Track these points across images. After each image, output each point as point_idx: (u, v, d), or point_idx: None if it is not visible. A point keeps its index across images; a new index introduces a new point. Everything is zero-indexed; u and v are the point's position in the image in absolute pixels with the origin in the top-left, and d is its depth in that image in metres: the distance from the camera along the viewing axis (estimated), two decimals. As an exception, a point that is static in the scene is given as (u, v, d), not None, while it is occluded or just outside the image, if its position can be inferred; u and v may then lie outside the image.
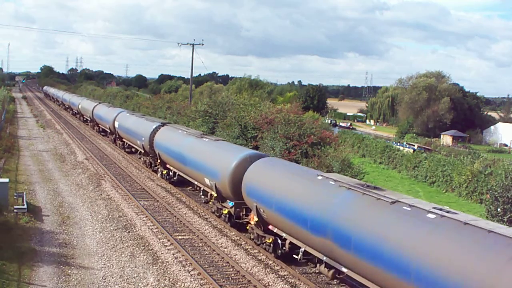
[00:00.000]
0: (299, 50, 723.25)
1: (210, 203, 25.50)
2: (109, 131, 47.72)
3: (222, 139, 29.38)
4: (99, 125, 54.12)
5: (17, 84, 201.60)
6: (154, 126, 34.32)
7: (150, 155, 34.85)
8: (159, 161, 32.86)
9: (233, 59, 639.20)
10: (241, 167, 21.62)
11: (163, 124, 34.69)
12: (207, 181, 24.55)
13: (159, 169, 33.24)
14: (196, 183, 27.24)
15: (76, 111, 72.67)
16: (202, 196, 26.55)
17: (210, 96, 77.16)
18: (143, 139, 35.25)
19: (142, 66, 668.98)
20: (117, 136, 45.11)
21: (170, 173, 31.31)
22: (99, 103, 59.30)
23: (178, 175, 30.24)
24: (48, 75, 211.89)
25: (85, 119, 65.25)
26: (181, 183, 30.89)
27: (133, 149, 41.68)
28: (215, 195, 23.59)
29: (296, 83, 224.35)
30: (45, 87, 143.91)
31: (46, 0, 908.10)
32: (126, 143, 43.13)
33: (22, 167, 35.58)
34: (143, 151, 36.17)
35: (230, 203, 22.88)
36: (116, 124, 44.09)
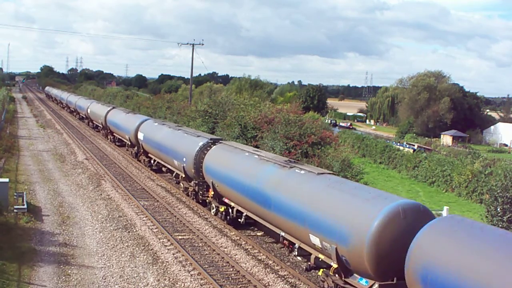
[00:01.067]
0: (299, 50, 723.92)
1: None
2: (128, 143, 41.02)
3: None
4: (114, 134, 47.63)
5: (17, 84, 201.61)
6: (201, 144, 26.43)
7: (196, 182, 26.55)
8: (212, 192, 24.77)
9: (233, 59, 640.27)
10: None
11: (214, 142, 26.40)
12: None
13: (212, 204, 25.14)
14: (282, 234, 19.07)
15: (84, 116, 65.66)
16: None
17: (210, 96, 77.16)
18: (184, 159, 27.35)
19: (142, 66, 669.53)
20: (141, 150, 37.29)
21: (230, 211, 23.31)
22: (114, 107, 51.96)
23: (246, 216, 22.11)
24: (48, 75, 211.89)
25: (95, 125, 58.95)
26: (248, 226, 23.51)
27: (163, 168, 34.44)
28: (183, 175, 27.69)
29: (296, 83, 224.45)
30: (46, 88, 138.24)
31: (46, 0, 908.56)
32: (155, 160, 34.95)
33: (22, 167, 35.59)
34: (183, 175, 28.11)
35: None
36: (140, 136, 36.65)
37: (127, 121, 41.65)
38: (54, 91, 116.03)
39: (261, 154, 21.65)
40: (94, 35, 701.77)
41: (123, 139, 43.24)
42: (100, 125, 54.37)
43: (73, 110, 77.93)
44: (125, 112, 46.21)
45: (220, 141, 26.30)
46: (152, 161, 35.61)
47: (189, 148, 26.90)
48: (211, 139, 26.80)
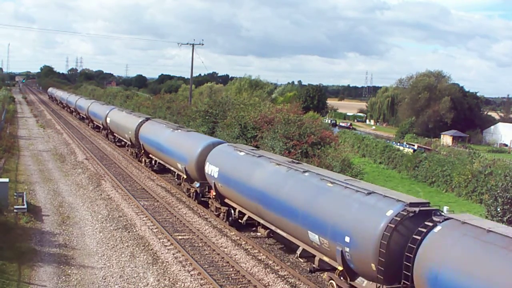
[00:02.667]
0: (299, 50, 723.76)
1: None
2: (183, 176, 28.26)
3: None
4: (151, 155, 35.58)
5: (17, 84, 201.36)
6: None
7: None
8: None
9: (233, 59, 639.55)
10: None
11: (214, 144, 26.01)
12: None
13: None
14: None
15: (102, 126, 52.61)
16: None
17: (210, 96, 77.17)
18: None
19: (142, 66, 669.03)
20: (218, 195, 24.29)
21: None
22: (147, 118, 39.17)
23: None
24: (48, 75, 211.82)
25: (117, 138, 47.07)
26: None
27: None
28: (185, 176, 27.85)
29: (296, 83, 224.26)
30: (50, 89, 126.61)
31: (45, 0, 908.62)
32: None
33: (22, 167, 35.59)
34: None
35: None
36: (213, 170, 24.19)
37: (176, 140, 30.61)
38: (59, 93, 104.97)
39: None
40: (94, 35, 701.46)
41: (174, 169, 30.74)
42: (127, 140, 41.52)
43: (84, 116, 66.18)
44: (166, 125, 34.79)
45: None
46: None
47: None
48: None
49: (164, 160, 32.40)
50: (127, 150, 42.34)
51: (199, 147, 26.42)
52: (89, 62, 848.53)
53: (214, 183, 23.67)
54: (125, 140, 42.51)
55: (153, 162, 35.37)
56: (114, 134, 47.46)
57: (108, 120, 48.69)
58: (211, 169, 24.08)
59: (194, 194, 27.27)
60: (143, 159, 37.25)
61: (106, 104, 62.02)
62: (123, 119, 43.47)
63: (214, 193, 24.13)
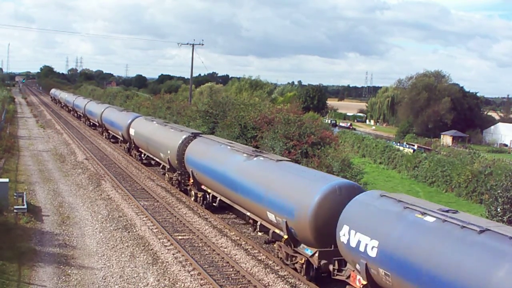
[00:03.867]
0: (299, 50, 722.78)
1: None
2: (285, 237, 18.84)
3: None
4: (205, 188, 26.03)
5: (17, 84, 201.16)
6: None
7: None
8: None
9: (233, 59, 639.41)
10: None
11: (195, 135, 28.60)
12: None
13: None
14: None
15: (122, 138, 42.75)
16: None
17: (210, 96, 77.16)
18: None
19: (142, 66, 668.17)
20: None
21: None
22: (195, 135, 28.95)
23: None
24: (48, 75, 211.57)
25: (145, 155, 37.05)
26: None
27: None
28: (168, 166, 30.34)
29: (296, 83, 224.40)
30: (53, 90, 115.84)
31: (45, 0, 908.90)
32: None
33: (22, 167, 35.59)
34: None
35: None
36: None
37: (258, 172, 24.72)
38: (64, 95, 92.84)
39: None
40: (94, 35, 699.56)
41: (267, 224, 21.57)
42: (165, 163, 31.42)
43: (96, 124, 55.71)
44: (230, 147, 25.04)
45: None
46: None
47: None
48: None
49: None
50: (165, 176, 32.42)
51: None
52: (89, 62, 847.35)
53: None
54: (161, 162, 32.67)
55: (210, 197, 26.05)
56: (142, 150, 37.54)
57: (131, 132, 39.11)
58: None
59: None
60: (193, 192, 27.61)
61: (126, 110, 50.09)
62: (157, 133, 33.21)
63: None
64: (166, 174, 31.82)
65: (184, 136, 28.67)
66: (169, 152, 29.51)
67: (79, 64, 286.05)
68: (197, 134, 28.94)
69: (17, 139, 48.79)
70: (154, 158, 34.53)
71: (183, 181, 29.01)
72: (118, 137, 44.78)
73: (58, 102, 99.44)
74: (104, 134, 46.30)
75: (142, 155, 38.01)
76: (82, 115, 67.16)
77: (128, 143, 41.79)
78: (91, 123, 61.98)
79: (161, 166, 33.03)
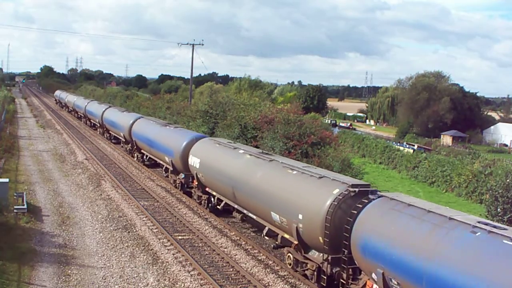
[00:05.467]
0: (299, 50, 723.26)
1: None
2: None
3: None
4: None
5: (17, 84, 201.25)
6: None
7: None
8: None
9: (233, 59, 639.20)
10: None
11: (198, 138, 28.43)
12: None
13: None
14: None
15: (171, 167, 29.80)
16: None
17: (210, 96, 77.16)
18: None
19: (142, 66, 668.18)
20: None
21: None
22: (200, 137, 28.73)
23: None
24: (48, 75, 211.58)
25: (196, 184, 26.94)
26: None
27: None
28: (171, 168, 30.22)
29: (296, 83, 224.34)
30: (57, 92, 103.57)
31: (45, 0, 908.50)
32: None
33: (22, 167, 35.59)
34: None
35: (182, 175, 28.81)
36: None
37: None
38: (71, 99, 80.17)
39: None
40: (94, 35, 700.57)
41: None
42: (238, 212, 23.80)
43: (122, 139, 42.66)
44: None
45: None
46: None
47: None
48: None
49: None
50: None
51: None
52: (89, 62, 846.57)
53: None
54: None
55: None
56: (209, 189, 25.60)
57: (195, 163, 26.04)
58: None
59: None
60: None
61: (174, 125, 35.28)
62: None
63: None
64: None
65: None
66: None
67: (79, 64, 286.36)
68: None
69: (17, 139, 48.80)
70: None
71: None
72: (164, 164, 32.42)
73: (65, 106, 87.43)
74: (135, 155, 39.07)
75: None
76: (98, 124, 54.23)
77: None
78: (117, 140, 46.94)
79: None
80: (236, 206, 22.37)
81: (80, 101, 71.99)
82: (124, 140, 42.67)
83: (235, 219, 24.06)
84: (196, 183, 26.38)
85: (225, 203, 23.70)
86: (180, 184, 29.45)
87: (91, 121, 61.49)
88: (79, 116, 72.66)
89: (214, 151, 24.99)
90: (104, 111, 51.69)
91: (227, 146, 24.60)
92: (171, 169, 30.08)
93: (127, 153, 42.14)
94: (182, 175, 28.79)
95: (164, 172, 32.82)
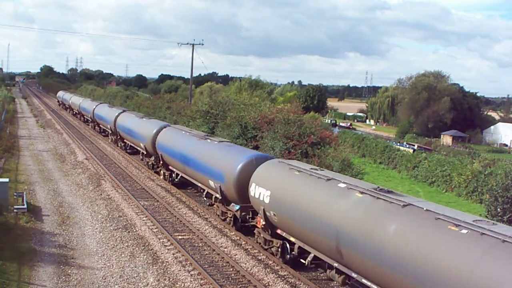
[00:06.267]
0: (299, 50, 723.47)
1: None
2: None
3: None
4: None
5: (17, 84, 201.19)
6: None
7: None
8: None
9: (233, 59, 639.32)
10: (246, 170, 21.04)
11: (165, 126, 34.07)
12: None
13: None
14: None
15: (221, 195, 23.01)
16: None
17: (210, 96, 77.14)
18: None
19: (142, 66, 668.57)
20: (267, 224, 20.20)
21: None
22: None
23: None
24: (48, 75, 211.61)
25: (174, 174, 30.46)
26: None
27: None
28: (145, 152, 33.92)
29: (296, 83, 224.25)
30: (60, 93, 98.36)
31: (45, 0, 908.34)
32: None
33: (22, 167, 35.59)
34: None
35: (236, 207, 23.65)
36: (261, 194, 19.65)
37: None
38: (76, 100, 73.87)
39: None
40: (94, 35, 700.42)
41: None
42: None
43: (145, 151, 35.24)
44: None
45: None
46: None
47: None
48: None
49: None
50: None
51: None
52: (89, 62, 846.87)
53: (264, 209, 19.27)
54: (212, 193, 24.76)
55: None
56: (283, 232, 20.38)
57: (260, 194, 19.65)
58: (258, 192, 19.56)
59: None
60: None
61: (218, 139, 27.28)
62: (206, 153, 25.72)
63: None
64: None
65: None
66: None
67: (79, 64, 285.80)
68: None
69: (17, 139, 48.80)
70: (197, 182, 26.76)
71: (243, 218, 22.34)
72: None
73: (69, 108, 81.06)
74: (161, 172, 32.52)
75: (174, 175, 30.49)
76: (110, 131, 47.25)
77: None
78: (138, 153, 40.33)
79: (204, 192, 25.90)
80: (337, 265, 15.70)
81: (87, 104, 63.99)
82: (145, 153, 35.08)
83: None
84: (263, 221, 19.60)
85: (315, 256, 17.06)
86: (232, 218, 22.76)
87: (101, 126, 54.18)
88: (86, 120, 65.05)
89: (292, 181, 18.08)
90: (117, 116, 44.53)
91: (313, 174, 17.50)
92: (219, 197, 23.01)
93: (148, 167, 35.51)
94: (236, 206, 22.13)
95: (204, 197, 26.10)
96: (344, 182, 16.20)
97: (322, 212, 15.82)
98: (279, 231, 19.00)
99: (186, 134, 29.46)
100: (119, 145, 45.22)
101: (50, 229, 22.23)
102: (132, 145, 40.53)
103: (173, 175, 30.63)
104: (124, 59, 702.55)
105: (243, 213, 21.76)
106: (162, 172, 32.50)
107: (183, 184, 30.20)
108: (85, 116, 64.90)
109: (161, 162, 32.14)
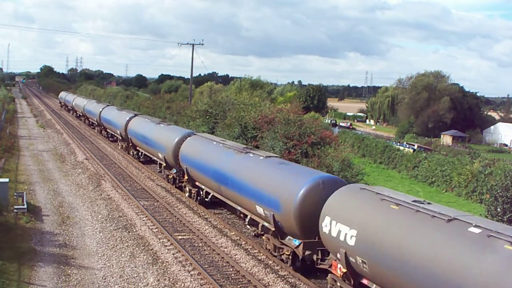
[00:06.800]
0: (299, 50, 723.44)
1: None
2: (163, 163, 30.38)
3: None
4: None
5: (17, 84, 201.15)
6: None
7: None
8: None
9: (233, 59, 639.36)
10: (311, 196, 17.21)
11: (189, 134, 29.74)
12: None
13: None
14: None
15: (275, 227, 18.71)
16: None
17: (210, 96, 77.14)
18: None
19: (142, 66, 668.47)
20: (189, 178, 26.84)
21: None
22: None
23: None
24: (48, 75, 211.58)
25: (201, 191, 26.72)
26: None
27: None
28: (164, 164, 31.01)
29: (296, 83, 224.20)
30: (62, 94, 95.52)
31: (45, 0, 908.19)
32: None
33: (22, 167, 35.59)
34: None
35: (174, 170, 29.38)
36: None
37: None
38: (80, 102, 70.35)
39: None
40: (94, 35, 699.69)
41: None
42: None
43: (164, 162, 31.07)
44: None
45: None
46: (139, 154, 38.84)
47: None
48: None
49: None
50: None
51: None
52: (89, 62, 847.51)
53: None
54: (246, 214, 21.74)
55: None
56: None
57: (341, 234, 15.31)
58: (335, 229, 16.02)
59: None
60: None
61: (265, 154, 22.19)
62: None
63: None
64: (268, 239, 21.01)
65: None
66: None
67: (79, 64, 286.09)
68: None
69: (17, 139, 48.80)
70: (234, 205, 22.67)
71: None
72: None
73: (72, 110, 77.68)
74: (187, 189, 28.30)
75: (202, 193, 26.25)
76: (120, 137, 43.49)
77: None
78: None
79: (246, 219, 21.60)
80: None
81: (93, 106, 60.03)
82: (164, 165, 31.26)
83: (234, 217, 22.97)
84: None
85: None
86: (290, 257, 18.28)
87: (108, 131, 50.36)
88: (91, 123, 61.38)
89: (391, 219, 13.54)
90: (128, 120, 40.91)
91: (420, 210, 12.93)
92: (272, 228, 18.78)
93: (168, 181, 31.58)
94: (295, 241, 17.84)
95: (247, 224, 21.64)
96: (477, 226, 11.29)
97: (446, 272, 11.12)
98: (366, 282, 14.69)
99: (219, 145, 24.90)
100: (131, 153, 40.92)
101: (50, 229, 22.23)
102: (147, 154, 36.25)
103: (202, 193, 26.21)
104: (124, 59, 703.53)
105: (307, 252, 17.42)
106: (187, 189, 27.98)
107: (213, 204, 26.02)
108: (90, 119, 61.13)
109: (185, 177, 27.59)
